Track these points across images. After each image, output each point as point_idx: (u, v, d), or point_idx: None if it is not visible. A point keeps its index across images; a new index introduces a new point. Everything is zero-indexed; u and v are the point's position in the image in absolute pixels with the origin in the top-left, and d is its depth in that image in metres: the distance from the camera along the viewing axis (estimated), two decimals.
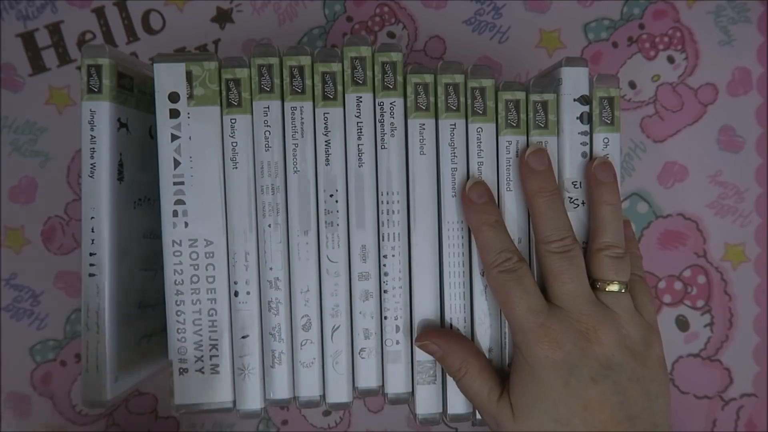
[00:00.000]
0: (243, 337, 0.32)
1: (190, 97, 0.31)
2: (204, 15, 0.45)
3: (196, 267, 0.32)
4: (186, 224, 0.31)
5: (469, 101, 0.32)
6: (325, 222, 0.32)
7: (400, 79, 0.32)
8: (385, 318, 0.33)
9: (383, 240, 0.32)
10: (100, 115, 0.31)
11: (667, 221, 0.46)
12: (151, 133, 0.35)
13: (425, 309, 0.33)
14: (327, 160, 0.32)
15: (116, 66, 0.31)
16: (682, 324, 0.46)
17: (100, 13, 0.45)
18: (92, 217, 0.31)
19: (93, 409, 0.43)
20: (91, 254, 0.31)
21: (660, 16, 0.46)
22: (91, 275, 0.31)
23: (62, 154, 0.45)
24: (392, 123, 0.32)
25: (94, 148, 0.31)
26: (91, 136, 0.31)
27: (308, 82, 0.31)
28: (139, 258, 0.34)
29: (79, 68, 0.45)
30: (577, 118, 0.32)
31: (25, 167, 0.44)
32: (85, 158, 0.31)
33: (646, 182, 0.46)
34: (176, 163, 0.31)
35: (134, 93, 0.33)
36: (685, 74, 0.46)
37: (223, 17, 0.45)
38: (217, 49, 0.45)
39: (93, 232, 0.31)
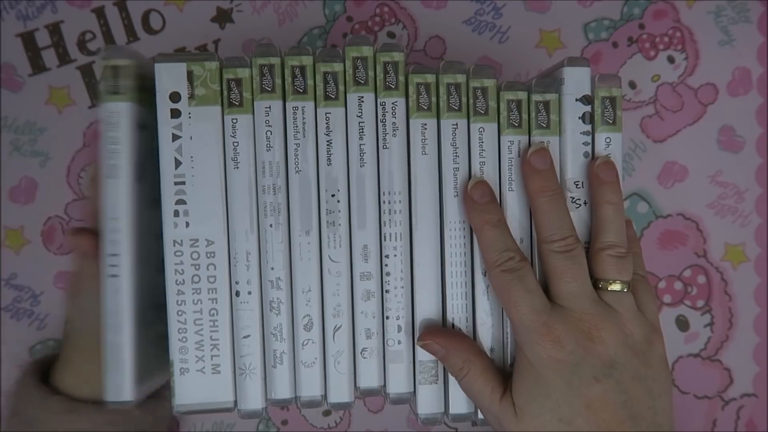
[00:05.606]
0: (244, 337, 0.32)
1: (191, 96, 0.31)
2: (204, 15, 0.45)
3: (197, 267, 0.32)
4: (187, 224, 0.31)
5: (470, 101, 0.32)
6: (327, 222, 0.32)
7: (401, 78, 0.32)
8: (387, 318, 0.33)
9: (385, 240, 0.32)
10: (120, 116, 0.30)
11: (667, 221, 0.46)
12: None
13: (427, 309, 0.33)
14: (329, 159, 0.32)
15: (136, 67, 0.31)
16: (682, 324, 0.46)
17: (100, 13, 0.45)
18: (112, 218, 0.31)
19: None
20: (112, 255, 0.31)
21: (660, 16, 0.46)
22: (112, 276, 0.31)
23: (62, 154, 0.44)
24: (394, 123, 0.32)
25: (114, 149, 0.31)
26: (111, 137, 0.31)
27: (310, 81, 0.31)
28: (155, 259, 0.34)
29: (79, 68, 0.44)
30: (579, 117, 0.32)
31: (25, 167, 0.44)
32: (104, 159, 0.30)
33: (646, 182, 0.46)
34: (177, 163, 0.31)
35: (153, 94, 0.33)
36: (685, 74, 0.46)
37: (223, 17, 0.45)
38: (217, 49, 0.45)
39: (114, 233, 0.31)
